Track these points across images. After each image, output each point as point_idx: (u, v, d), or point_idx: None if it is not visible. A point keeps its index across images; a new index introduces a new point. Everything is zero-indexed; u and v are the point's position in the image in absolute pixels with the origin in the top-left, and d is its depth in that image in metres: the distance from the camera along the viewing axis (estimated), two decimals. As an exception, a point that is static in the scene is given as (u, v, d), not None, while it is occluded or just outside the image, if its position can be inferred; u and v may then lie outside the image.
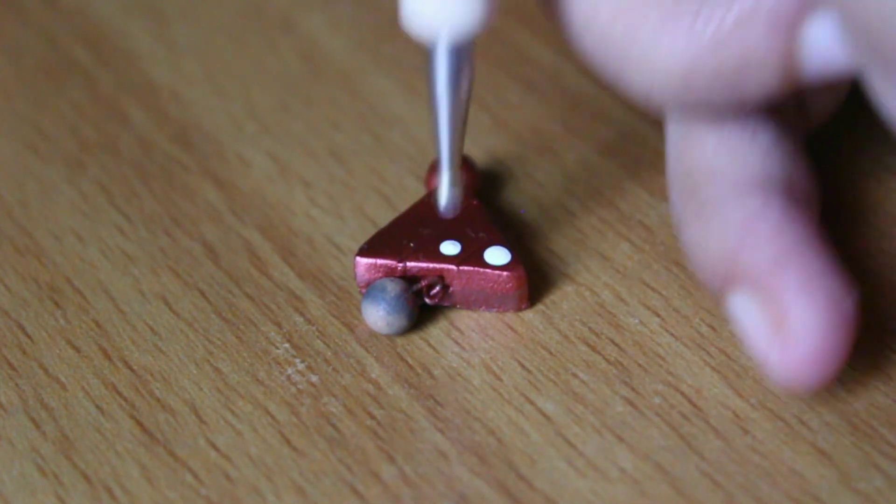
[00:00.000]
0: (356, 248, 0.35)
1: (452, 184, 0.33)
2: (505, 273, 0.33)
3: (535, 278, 0.34)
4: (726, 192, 0.31)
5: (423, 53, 0.31)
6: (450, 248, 0.34)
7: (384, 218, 0.36)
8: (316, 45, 0.42)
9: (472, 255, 0.33)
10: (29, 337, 0.34)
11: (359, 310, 0.34)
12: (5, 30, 0.43)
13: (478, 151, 0.38)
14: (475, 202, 0.35)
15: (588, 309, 0.34)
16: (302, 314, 0.34)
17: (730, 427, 0.31)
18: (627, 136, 0.38)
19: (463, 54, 0.31)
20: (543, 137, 0.38)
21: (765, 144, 0.32)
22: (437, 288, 0.33)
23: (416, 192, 0.36)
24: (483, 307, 0.33)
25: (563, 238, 0.35)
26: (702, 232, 0.31)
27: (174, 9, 0.43)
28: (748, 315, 0.30)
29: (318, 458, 0.31)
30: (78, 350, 0.33)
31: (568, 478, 0.30)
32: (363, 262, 0.33)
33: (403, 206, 0.36)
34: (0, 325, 0.34)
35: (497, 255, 0.33)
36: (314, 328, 0.33)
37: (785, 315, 0.29)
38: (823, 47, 0.29)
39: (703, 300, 0.33)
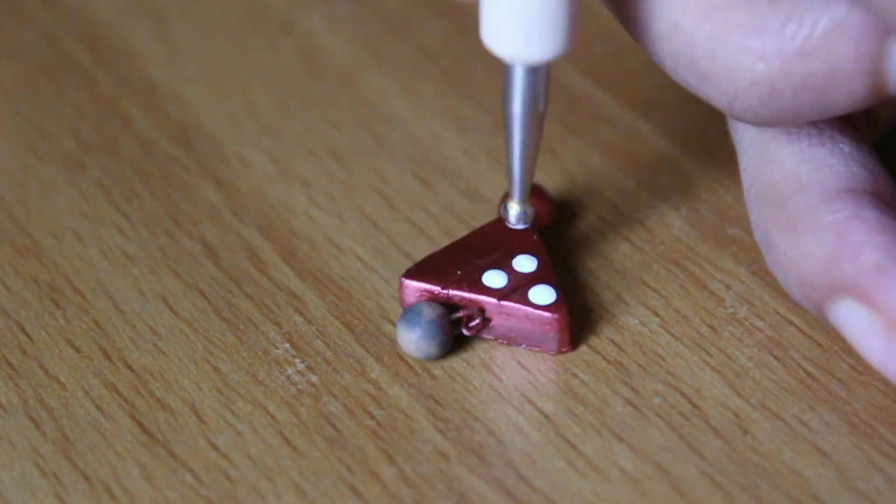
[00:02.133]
0: (356, 247, 0.35)
1: (522, 201, 0.33)
2: (546, 314, 0.32)
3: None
4: (815, 202, 0.31)
5: (500, 71, 0.31)
6: (495, 280, 0.32)
7: (384, 218, 0.36)
8: (316, 45, 0.42)
9: (516, 290, 0.32)
10: (29, 337, 0.34)
11: (359, 310, 0.34)
12: (5, 30, 0.43)
13: (478, 152, 0.38)
14: (535, 236, 0.34)
15: (588, 308, 0.34)
16: (302, 314, 0.34)
17: (730, 427, 0.31)
18: (627, 136, 0.38)
19: (540, 76, 0.31)
20: (543, 137, 0.38)
21: (846, 150, 0.32)
22: (477, 321, 0.32)
23: (417, 192, 0.37)
24: (523, 344, 0.32)
25: (563, 238, 0.35)
26: (793, 246, 0.31)
27: (174, 9, 0.43)
28: (857, 322, 0.30)
29: (318, 458, 0.31)
30: (78, 350, 0.33)
31: (568, 478, 0.30)
32: (409, 284, 0.33)
33: (403, 206, 0.36)
34: (0, 325, 0.34)
35: (542, 294, 0.32)
36: (314, 328, 0.33)
37: None
38: None
39: (703, 300, 0.33)
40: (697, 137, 0.37)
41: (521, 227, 0.33)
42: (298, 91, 0.40)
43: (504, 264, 0.33)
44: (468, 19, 0.42)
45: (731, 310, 0.33)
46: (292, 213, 0.36)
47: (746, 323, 0.33)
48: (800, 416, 0.31)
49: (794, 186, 0.31)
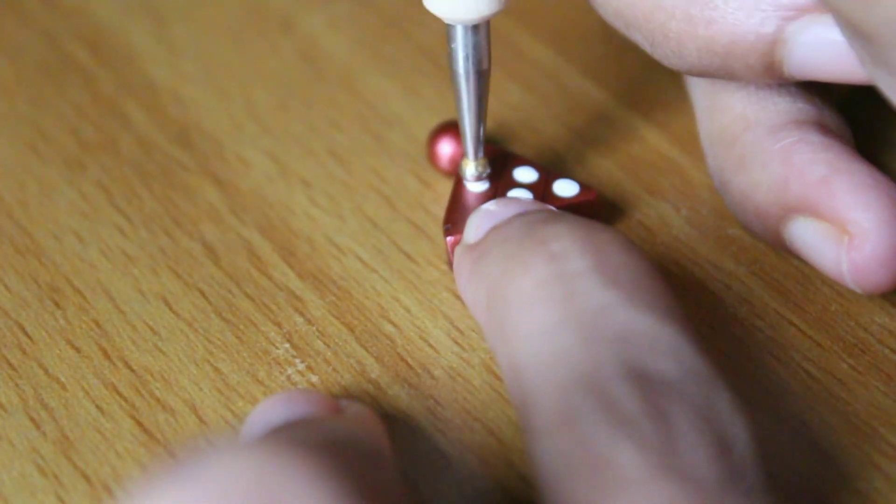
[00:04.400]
0: (356, 247, 0.35)
1: (476, 158, 0.35)
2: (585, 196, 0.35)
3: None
4: (762, 136, 0.32)
5: (444, 32, 0.33)
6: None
7: (384, 218, 0.36)
8: (316, 45, 0.42)
9: (544, 193, 0.35)
10: (29, 337, 0.34)
11: (359, 310, 0.34)
12: (5, 30, 0.43)
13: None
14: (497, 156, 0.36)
15: (588, 309, 0.33)
16: (302, 314, 0.34)
17: (730, 427, 0.31)
18: (627, 136, 0.38)
19: (480, 34, 0.33)
20: (543, 137, 0.38)
21: (793, 90, 0.33)
22: None
23: (417, 192, 0.36)
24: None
25: (563, 238, 0.35)
26: (747, 180, 0.32)
27: (174, 9, 0.43)
28: (810, 236, 0.31)
29: (318, 458, 0.31)
30: (78, 350, 0.33)
31: (568, 478, 0.30)
32: (457, 239, 0.33)
33: (403, 206, 0.36)
34: (0, 325, 0.34)
35: (566, 187, 0.35)
36: (314, 328, 0.33)
37: (845, 221, 0.30)
38: (809, 51, 0.30)
39: (703, 300, 0.33)
40: (697, 137, 0.37)
41: (478, 185, 0.35)
42: (298, 91, 0.40)
43: (510, 183, 0.35)
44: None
45: (731, 310, 0.33)
46: (292, 213, 0.36)
47: (746, 323, 0.33)
48: (800, 415, 0.31)
49: (741, 126, 0.33)
